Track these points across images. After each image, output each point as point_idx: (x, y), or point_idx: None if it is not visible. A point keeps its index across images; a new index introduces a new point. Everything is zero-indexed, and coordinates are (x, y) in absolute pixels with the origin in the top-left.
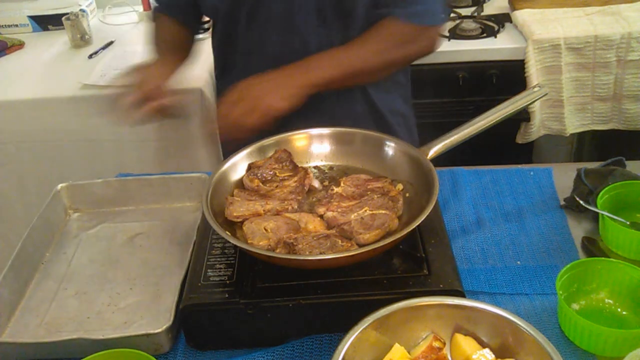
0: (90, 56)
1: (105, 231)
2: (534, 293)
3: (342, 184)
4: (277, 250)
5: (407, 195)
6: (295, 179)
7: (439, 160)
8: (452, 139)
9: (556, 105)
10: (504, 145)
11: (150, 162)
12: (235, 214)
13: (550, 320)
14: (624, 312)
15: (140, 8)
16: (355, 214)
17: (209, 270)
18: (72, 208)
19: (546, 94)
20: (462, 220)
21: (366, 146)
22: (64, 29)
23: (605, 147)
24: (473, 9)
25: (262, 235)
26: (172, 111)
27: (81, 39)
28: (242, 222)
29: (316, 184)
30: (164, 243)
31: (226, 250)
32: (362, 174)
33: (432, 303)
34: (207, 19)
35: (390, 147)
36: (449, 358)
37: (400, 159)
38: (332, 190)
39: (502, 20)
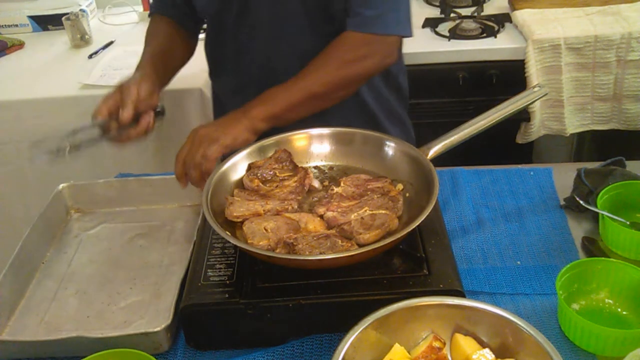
0: (90, 56)
1: (105, 231)
2: (534, 293)
3: (342, 184)
4: (277, 250)
5: (407, 195)
6: (295, 179)
7: (439, 160)
8: (452, 139)
9: (556, 105)
10: (504, 145)
11: (150, 162)
12: (235, 214)
13: (550, 320)
14: (624, 312)
15: (140, 8)
16: (355, 214)
17: (209, 270)
18: (73, 208)
19: (546, 94)
20: (462, 220)
21: (366, 146)
22: (64, 29)
23: (605, 147)
24: (473, 9)
25: (262, 235)
26: (157, 118)
27: (81, 39)
28: (242, 222)
29: (316, 184)
30: (164, 243)
31: (226, 250)
32: (362, 174)
33: (432, 303)
34: None
35: (390, 147)
36: (449, 358)
37: (400, 159)
38: (332, 190)
39: (502, 20)
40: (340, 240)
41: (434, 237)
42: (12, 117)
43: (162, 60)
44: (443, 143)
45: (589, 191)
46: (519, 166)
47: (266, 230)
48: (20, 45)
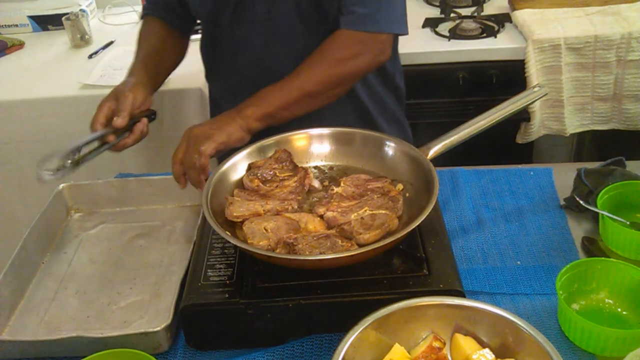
0: (90, 56)
1: (105, 231)
2: (534, 293)
3: (342, 184)
4: (277, 250)
5: (407, 195)
6: (295, 179)
7: (439, 160)
8: (452, 139)
9: (556, 105)
10: (504, 145)
11: (150, 162)
12: (235, 214)
13: (550, 320)
14: (624, 312)
15: (140, 8)
16: (355, 214)
17: (209, 270)
18: (73, 208)
19: (546, 94)
20: (462, 220)
21: (366, 146)
22: (64, 29)
23: (605, 147)
24: (473, 9)
25: (262, 235)
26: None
27: (81, 39)
28: (242, 222)
29: (316, 184)
30: (164, 243)
31: (226, 250)
32: (362, 174)
33: (432, 303)
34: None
35: (390, 147)
36: (449, 358)
37: (400, 159)
38: (332, 190)
39: (502, 20)
40: (340, 240)
41: (434, 237)
42: (12, 117)
43: (154, 63)
44: (443, 143)
45: (589, 191)
46: (519, 166)
47: (266, 230)
48: (20, 45)
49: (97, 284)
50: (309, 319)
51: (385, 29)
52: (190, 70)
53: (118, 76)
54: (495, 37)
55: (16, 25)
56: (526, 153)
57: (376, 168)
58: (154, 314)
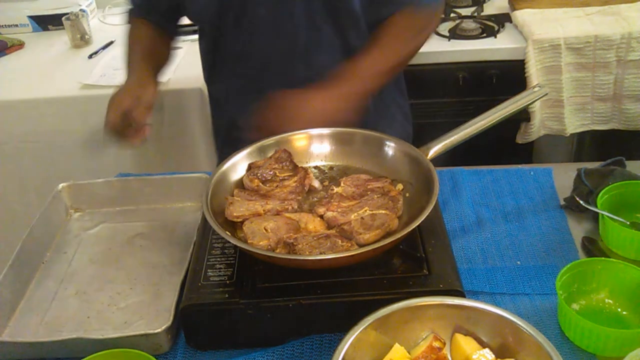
0: (90, 56)
1: (105, 231)
2: (534, 293)
3: (342, 184)
4: (277, 250)
5: (407, 195)
6: (295, 179)
7: (439, 160)
8: (452, 139)
9: (556, 105)
10: (504, 145)
11: (150, 162)
12: (235, 214)
13: (550, 320)
14: (624, 312)
15: None
16: (355, 214)
17: (209, 270)
18: (73, 208)
19: (546, 94)
20: (462, 220)
21: (366, 146)
22: (64, 29)
23: (605, 147)
24: (473, 9)
25: (262, 235)
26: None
27: (81, 39)
28: (242, 222)
29: (316, 184)
30: (164, 243)
31: (226, 250)
32: (362, 174)
33: (432, 303)
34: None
35: (390, 147)
36: (449, 358)
37: (400, 159)
38: (332, 190)
39: (502, 20)
40: (340, 240)
41: (434, 237)
42: (12, 117)
43: (152, 62)
44: (443, 143)
45: (589, 191)
46: (519, 166)
47: (266, 230)
48: (20, 45)
49: (97, 284)
50: (309, 319)
51: (435, 6)
52: (190, 71)
53: (118, 76)
54: (495, 37)
55: (16, 25)
56: (526, 153)
57: (376, 168)
58: (154, 315)
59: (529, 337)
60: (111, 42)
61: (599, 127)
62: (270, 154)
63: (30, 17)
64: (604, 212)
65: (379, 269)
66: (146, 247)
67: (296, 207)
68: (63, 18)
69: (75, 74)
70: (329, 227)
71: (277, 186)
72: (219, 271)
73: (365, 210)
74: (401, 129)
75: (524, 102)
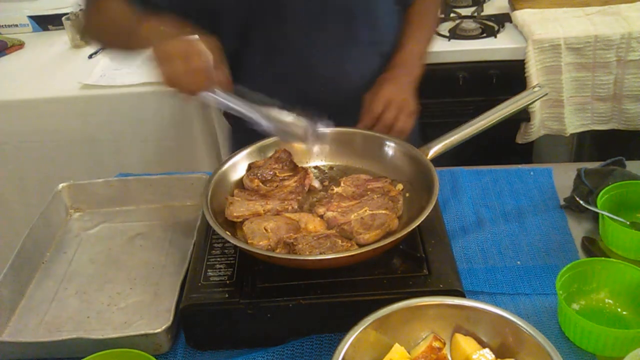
0: (90, 56)
1: (105, 231)
2: (534, 293)
3: (342, 184)
4: (277, 250)
5: (407, 195)
6: (295, 179)
7: (439, 160)
8: (452, 139)
9: (556, 105)
10: (504, 145)
11: (150, 162)
12: (235, 214)
13: (550, 320)
14: (624, 312)
15: None
16: (355, 214)
17: (209, 270)
18: (73, 208)
19: (546, 94)
20: (462, 220)
21: (366, 146)
22: (64, 29)
23: (605, 147)
24: (473, 9)
25: (262, 235)
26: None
27: (81, 39)
28: (242, 222)
29: (316, 184)
30: (164, 243)
31: (226, 250)
32: (362, 174)
33: (432, 303)
34: None
35: (390, 147)
36: (449, 358)
37: (400, 159)
38: (332, 190)
39: (502, 20)
40: (340, 240)
41: (434, 237)
42: (12, 117)
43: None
44: (443, 143)
45: (589, 191)
46: (519, 166)
47: (266, 230)
48: (20, 45)
49: (97, 284)
50: (309, 319)
51: None
52: None
53: (118, 76)
54: (495, 37)
55: (16, 25)
56: (526, 153)
57: (376, 168)
58: (154, 315)
59: (529, 337)
60: None
61: (599, 127)
62: (270, 154)
63: (30, 17)
64: (604, 212)
65: (379, 269)
66: (146, 247)
67: (296, 207)
68: (63, 18)
69: (75, 74)
70: (329, 227)
71: (277, 186)
72: (219, 271)
73: (365, 210)
74: None
75: (524, 102)
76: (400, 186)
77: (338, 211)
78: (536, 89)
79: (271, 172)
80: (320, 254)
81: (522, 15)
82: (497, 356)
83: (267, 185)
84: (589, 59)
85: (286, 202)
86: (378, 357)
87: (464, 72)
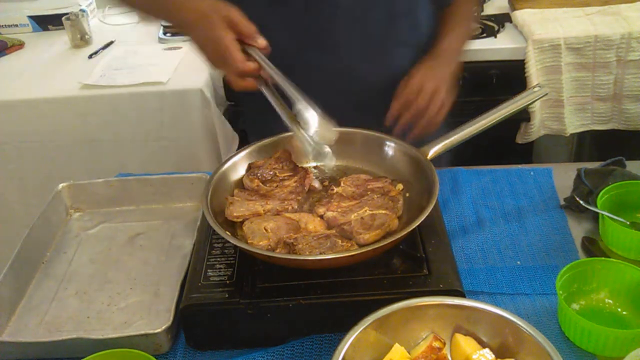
0: (90, 56)
1: (105, 231)
2: (534, 293)
3: (342, 184)
4: (277, 250)
5: (407, 195)
6: (295, 179)
7: (439, 160)
8: (452, 139)
9: (556, 105)
10: (504, 145)
11: (150, 162)
12: (235, 214)
13: (550, 320)
14: (624, 312)
15: None
16: (355, 214)
17: (209, 270)
18: (73, 208)
19: (546, 94)
20: (462, 220)
21: (366, 146)
22: (64, 29)
23: (605, 147)
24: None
25: (262, 235)
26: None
27: (81, 39)
28: (242, 222)
29: (316, 184)
30: (164, 243)
31: (226, 250)
32: (362, 174)
33: (432, 303)
34: None
35: (390, 147)
36: (449, 358)
37: (400, 159)
38: (332, 190)
39: (502, 20)
40: (340, 240)
41: (434, 237)
42: (12, 117)
43: None
44: (443, 143)
45: (589, 191)
46: (519, 166)
47: (266, 230)
48: (20, 45)
49: (97, 284)
50: (309, 319)
51: None
52: (191, 71)
53: (118, 76)
54: (495, 37)
55: (16, 25)
56: (526, 153)
57: (376, 168)
58: (154, 315)
59: (529, 337)
60: (111, 42)
61: (599, 127)
62: (270, 154)
63: (30, 17)
64: (604, 212)
65: (379, 269)
66: (146, 247)
67: (296, 207)
68: (63, 18)
69: (75, 74)
70: (329, 227)
71: (277, 186)
72: (219, 271)
73: (365, 210)
74: None
75: (524, 102)
76: (400, 186)
77: (338, 211)
78: (536, 89)
79: (271, 172)
80: (320, 254)
81: (522, 15)
82: (497, 356)
83: (267, 185)
84: (589, 59)
85: (286, 202)
86: (378, 357)
87: (464, 72)
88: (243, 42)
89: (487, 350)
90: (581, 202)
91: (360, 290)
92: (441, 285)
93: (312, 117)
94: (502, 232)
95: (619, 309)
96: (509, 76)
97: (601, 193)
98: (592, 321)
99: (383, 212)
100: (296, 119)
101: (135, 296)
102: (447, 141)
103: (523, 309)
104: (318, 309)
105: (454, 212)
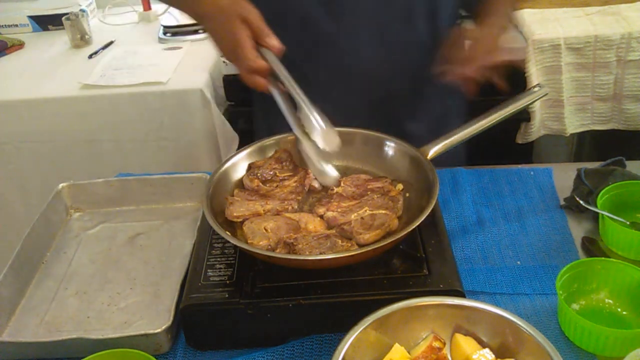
0: (90, 56)
1: (105, 231)
2: (534, 293)
3: (342, 184)
4: (277, 250)
5: (407, 195)
6: (295, 179)
7: (439, 160)
8: (452, 139)
9: (556, 105)
10: (504, 145)
11: (150, 162)
12: (235, 214)
13: (550, 320)
14: (624, 312)
15: (141, 8)
16: (355, 214)
17: (209, 270)
18: (73, 207)
19: (546, 94)
20: (462, 220)
21: (366, 146)
22: (64, 29)
23: (605, 147)
24: None
25: (262, 235)
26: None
27: (81, 39)
28: (242, 222)
29: (316, 184)
30: (164, 243)
31: (226, 250)
32: (362, 174)
33: (432, 303)
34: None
35: (390, 147)
36: (449, 358)
37: (400, 159)
38: (332, 190)
39: None
40: (340, 240)
41: (434, 237)
42: (12, 117)
43: None
44: (443, 143)
45: (589, 191)
46: (519, 166)
47: (266, 230)
48: (20, 45)
49: (97, 284)
50: (309, 319)
51: None
52: (191, 71)
53: (118, 76)
54: None
55: (16, 25)
56: (526, 153)
57: (376, 168)
58: (154, 315)
59: (529, 337)
60: (111, 42)
61: (599, 127)
62: (270, 154)
63: (30, 17)
64: (604, 212)
65: (379, 269)
66: (146, 247)
67: (296, 207)
68: (63, 18)
69: (75, 74)
70: (329, 227)
71: (277, 186)
72: (219, 271)
73: (365, 210)
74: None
75: (524, 102)
76: (400, 186)
77: (338, 211)
78: (536, 89)
79: (271, 172)
80: (320, 254)
81: (522, 15)
82: (497, 356)
83: (267, 185)
84: (589, 59)
85: (286, 202)
86: (378, 357)
87: None
88: (257, 42)
89: (487, 350)
90: (581, 202)
91: (360, 290)
92: (441, 285)
93: (317, 123)
94: (502, 232)
95: (619, 309)
96: (509, 76)
97: (601, 193)
98: (592, 321)
99: (383, 212)
100: (302, 124)
101: (135, 296)
102: (447, 141)
103: (523, 309)
104: (318, 309)
105: (454, 212)
